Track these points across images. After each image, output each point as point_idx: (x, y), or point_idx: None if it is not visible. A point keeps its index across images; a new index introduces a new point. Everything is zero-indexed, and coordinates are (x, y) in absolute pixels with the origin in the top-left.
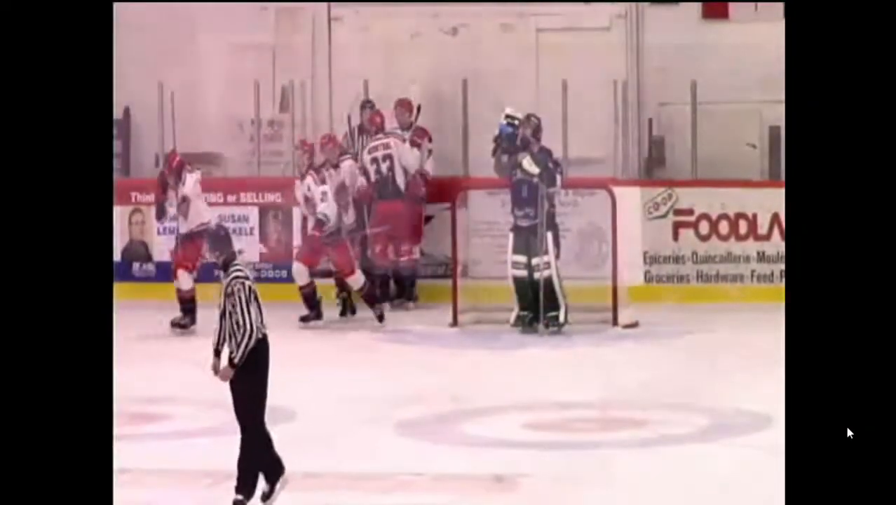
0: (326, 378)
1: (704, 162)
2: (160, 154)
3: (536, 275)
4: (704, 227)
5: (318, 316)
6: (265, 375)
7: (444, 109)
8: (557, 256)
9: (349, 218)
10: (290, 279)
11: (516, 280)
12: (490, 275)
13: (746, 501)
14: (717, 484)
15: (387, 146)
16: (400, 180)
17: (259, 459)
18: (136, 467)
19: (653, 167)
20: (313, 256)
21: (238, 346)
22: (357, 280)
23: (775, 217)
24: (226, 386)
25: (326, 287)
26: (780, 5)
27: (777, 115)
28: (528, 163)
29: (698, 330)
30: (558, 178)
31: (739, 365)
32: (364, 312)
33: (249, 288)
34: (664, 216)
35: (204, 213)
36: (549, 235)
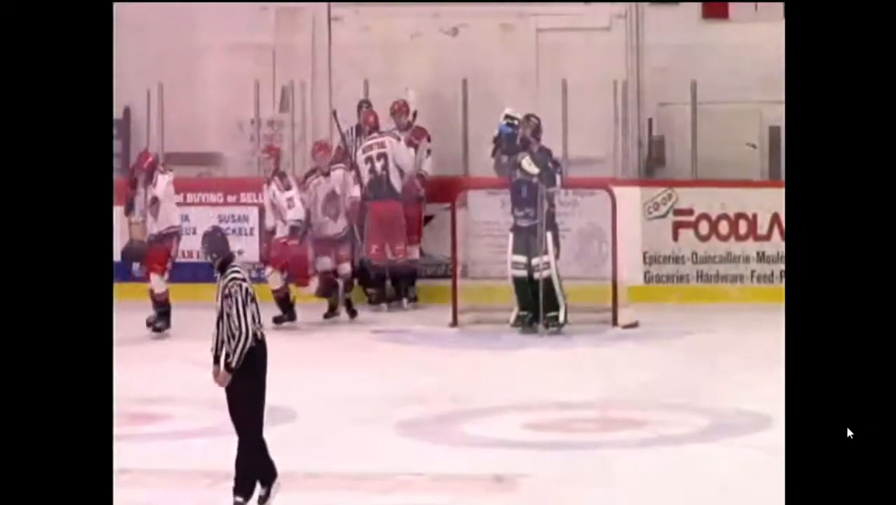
0: (326, 378)
1: (704, 162)
2: (160, 154)
3: (536, 275)
4: (704, 228)
5: (292, 318)
6: (263, 377)
7: (444, 109)
8: (557, 256)
9: (338, 227)
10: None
11: (516, 280)
12: (490, 275)
13: (746, 501)
14: (717, 484)
15: (381, 145)
16: (395, 180)
17: (256, 462)
18: (136, 467)
19: (653, 167)
20: (283, 260)
21: (234, 349)
22: (309, 288)
23: (775, 217)
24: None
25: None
26: (780, 5)
27: (777, 115)
28: (527, 163)
29: (698, 330)
30: (558, 177)
31: (739, 365)
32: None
33: (246, 290)
34: (664, 216)
35: (173, 215)
36: (549, 235)
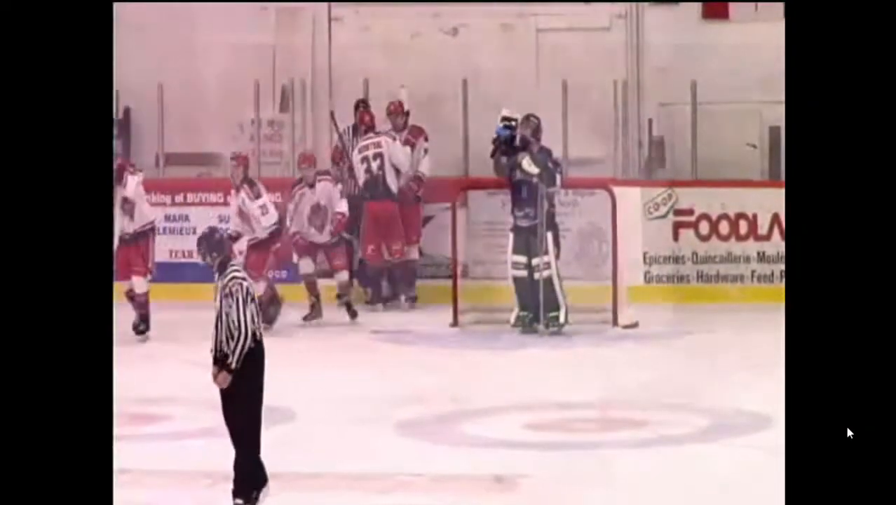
0: (326, 378)
1: (704, 162)
2: (160, 154)
3: (536, 275)
4: (704, 228)
5: (269, 322)
6: (261, 379)
7: (444, 109)
8: (557, 257)
9: (325, 237)
10: (290, 279)
11: (516, 280)
12: (490, 275)
13: (746, 501)
14: (717, 484)
15: (377, 145)
16: (391, 180)
17: (253, 464)
18: (135, 467)
19: (653, 167)
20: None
21: (233, 349)
22: (258, 287)
23: (775, 217)
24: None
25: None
26: (780, 5)
27: (777, 115)
28: (527, 163)
29: (698, 330)
30: (558, 177)
31: (739, 365)
32: (364, 315)
33: (247, 289)
34: (664, 216)
35: (147, 212)
36: (549, 236)
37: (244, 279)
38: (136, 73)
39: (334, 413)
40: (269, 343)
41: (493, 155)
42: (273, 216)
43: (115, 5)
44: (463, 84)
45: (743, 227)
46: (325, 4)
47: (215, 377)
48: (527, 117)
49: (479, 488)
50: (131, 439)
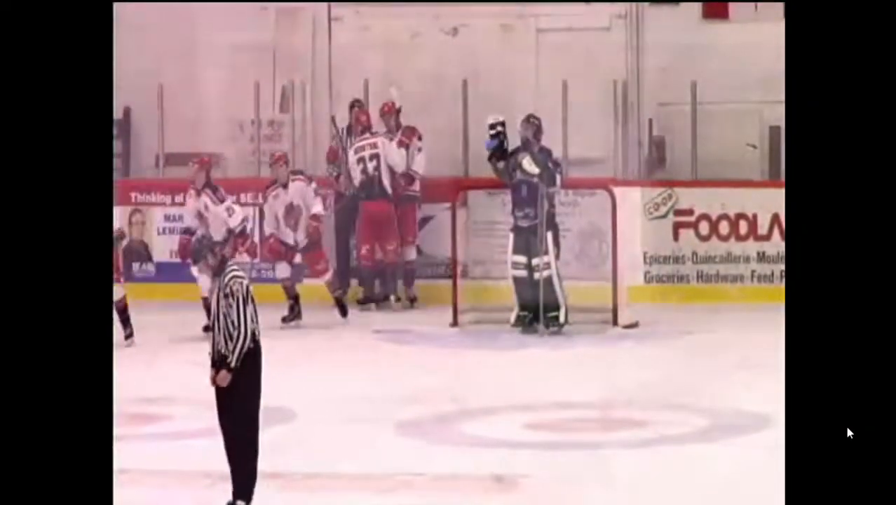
0: (326, 378)
1: (704, 162)
2: (160, 154)
3: (536, 275)
4: (704, 228)
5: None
6: (259, 380)
7: (444, 109)
8: (557, 257)
9: (299, 238)
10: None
11: (516, 280)
12: (490, 275)
13: (746, 501)
14: (717, 484)
15: (374, 146)
16: (386, 180)
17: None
18: (135, 467)
19: (653, 167)
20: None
21: (233, 348)
22: (202, 288)
23: (775, 217)
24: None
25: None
26: (780, 5)
27: (777, 115)
28: (528, 163)
29: (698, 330)
30: (558, 178)
31: (739, 365)
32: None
33: (247, 287)
34: (664, 216)
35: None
36: (550, 236)
37: (244, 277)
38: (136, 73)
39: (334, 413)
40: (269, 343)
41: (489, 160)
42: (239, 216)
43: (115, 5)
44: (463, 84)
45: (743, 227)
46: (325, 4)
47: (213, 379)
48: (527, 118)
49: (479, 488)
50: (131, 439)
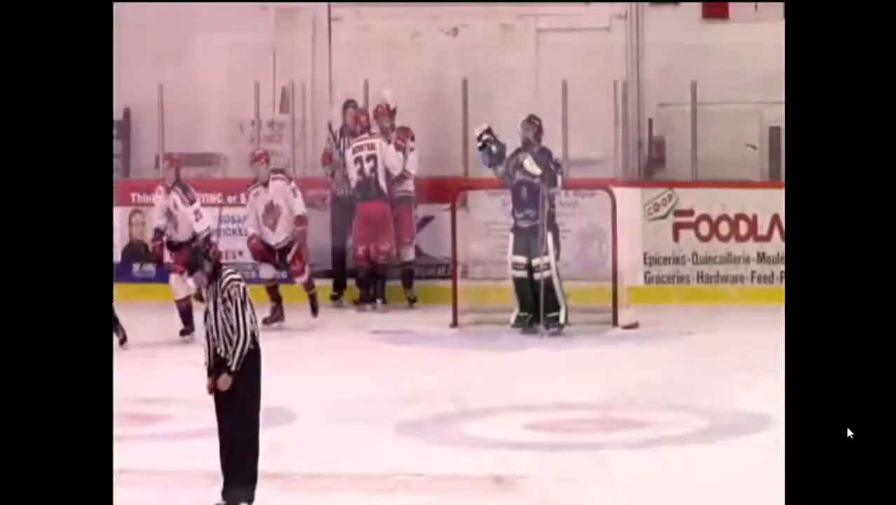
0: (326, 378)
1: (704, 163)
2: (160, 154)
3: (537, 276)
4: (705, 228)
5: (193, 329)
6: (259, 381)
7: (444, 109)
8: (557, 257)
9: (279, 237)
10: (290, 280)
11: (516, 281)
12: (490, 275)
13: (746, 502)
14: (717, 484)
15: (371, 147)
16: (383, 181)
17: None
18: (136, 467)
19: (653, 168)
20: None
21: (233, 351)
22: (175, 292)
23: (775, 218)
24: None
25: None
26: (780, 5)
27: (777, 115)
28: (529, 163)
29: (698, 330)
30: (559, 178)
31: (739, 365)
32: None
33: (244, 290)
34: (664, 217)
35: None
36: (550, 236)
37: (241, 280)
38: (136, 74)
39: (334, 413)
40: (268, 343)
41: (489, 165)
42: (206, 222)
43: (115, 5)
44: (463, 84)
45: (743, 227)
46: (325, 4)
47: (212, 386)
48: (528, 119)
49: (479, 488)
50: (131, 439)
